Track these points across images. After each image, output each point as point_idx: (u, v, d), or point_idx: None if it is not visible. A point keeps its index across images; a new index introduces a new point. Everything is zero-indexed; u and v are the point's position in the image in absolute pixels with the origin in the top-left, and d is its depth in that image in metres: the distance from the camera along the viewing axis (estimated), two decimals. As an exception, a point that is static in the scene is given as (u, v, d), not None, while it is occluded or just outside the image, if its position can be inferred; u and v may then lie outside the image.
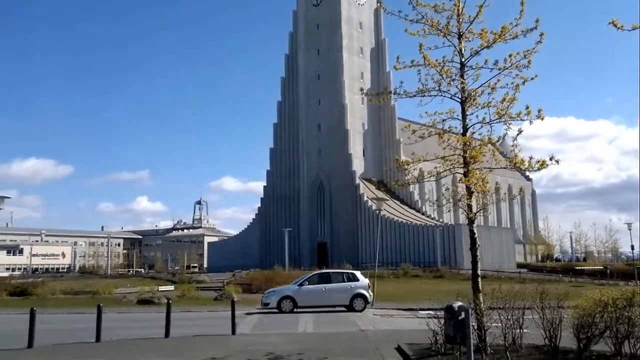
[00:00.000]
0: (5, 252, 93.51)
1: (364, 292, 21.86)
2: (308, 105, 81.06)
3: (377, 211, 62.62)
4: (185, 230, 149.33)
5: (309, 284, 22.18)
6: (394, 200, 76.76)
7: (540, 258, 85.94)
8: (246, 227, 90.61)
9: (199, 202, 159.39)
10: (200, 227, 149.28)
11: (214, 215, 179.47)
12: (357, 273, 23.63)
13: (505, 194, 79.80)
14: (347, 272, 24.39)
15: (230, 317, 14.48)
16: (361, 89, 13.21)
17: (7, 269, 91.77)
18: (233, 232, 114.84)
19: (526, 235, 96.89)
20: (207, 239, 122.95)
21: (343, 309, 22.02)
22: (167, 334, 13.59)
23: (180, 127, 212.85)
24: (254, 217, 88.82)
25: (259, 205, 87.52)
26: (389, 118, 79.92)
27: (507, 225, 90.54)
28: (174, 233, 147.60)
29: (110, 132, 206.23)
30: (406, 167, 10.67)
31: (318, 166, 79.18)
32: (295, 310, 21.28)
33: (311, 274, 24.15)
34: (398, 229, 68.79)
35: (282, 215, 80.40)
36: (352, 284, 22.12)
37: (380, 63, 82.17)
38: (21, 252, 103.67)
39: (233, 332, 14.11)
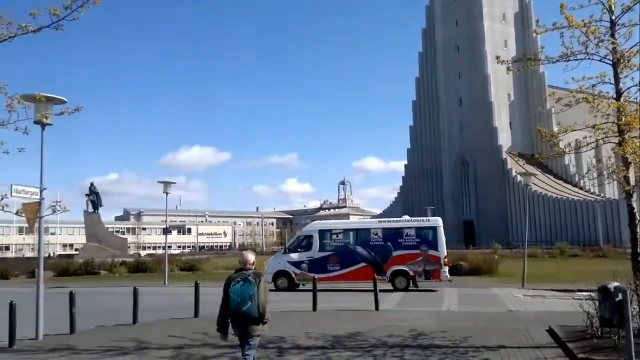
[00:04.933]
0: (176, 231, 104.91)
1: None
2: (447, 79, 78.53)
3: (526, 186, 59.19)
4: (331, 210, 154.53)
5: None
6: (547, 175, 71.70)
7: None
8: (389, 205, 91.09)
9: (342, 183, 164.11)
10: (345, 206, 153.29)
11: (358, 195, 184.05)
12: None
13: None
14: None
15: (373, 293, 14.85)
16: (497, 57, 12.16)
17: (178, 246, 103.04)
18: (377, 211, 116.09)
19: None
20: (352, 218, 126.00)
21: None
22: (314, 308, 14.39)
23: (324, 109, 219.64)
24: (396, 195, 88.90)
25: (401, 184, 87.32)
26: (537, 86, 74.49)
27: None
28: (321, 212, 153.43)
29: (260, 119, 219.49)
30: (551, 138, 9.96)
31: (460, 142, 76.62)
32: None
33: None
34: (552, 205, 64.37)
35: (425, 193, 79.41)
36: None
37: (525, 28, 76.41)
38: (189, 231, 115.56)
39: (376, 308, 14.48)
